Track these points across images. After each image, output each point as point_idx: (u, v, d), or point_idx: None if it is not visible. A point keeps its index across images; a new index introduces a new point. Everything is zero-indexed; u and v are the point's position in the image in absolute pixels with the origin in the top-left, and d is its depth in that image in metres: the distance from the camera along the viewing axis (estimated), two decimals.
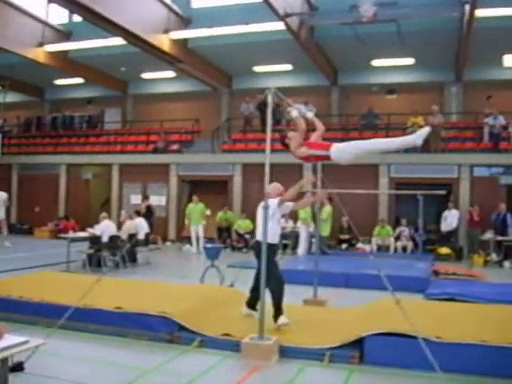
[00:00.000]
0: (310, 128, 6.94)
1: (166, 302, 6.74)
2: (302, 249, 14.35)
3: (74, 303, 5.88)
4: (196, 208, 16.32)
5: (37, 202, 21.36)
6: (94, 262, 11.75)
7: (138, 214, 14.18)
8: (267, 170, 5.94)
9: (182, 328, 6.22)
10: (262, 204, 6.26)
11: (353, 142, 6.25)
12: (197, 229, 16.19)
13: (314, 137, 6.62)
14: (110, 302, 6.65)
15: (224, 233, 17.60)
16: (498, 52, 17.18)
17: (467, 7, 13.45)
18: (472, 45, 15.41)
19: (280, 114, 18.17)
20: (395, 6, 13.95)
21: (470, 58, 16.75)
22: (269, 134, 6.04)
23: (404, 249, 15.95)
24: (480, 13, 13.69)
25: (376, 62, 19.04)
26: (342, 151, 6.09)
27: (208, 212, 16.97)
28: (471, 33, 14.46)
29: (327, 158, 6.25)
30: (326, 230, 14.39)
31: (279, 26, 15.23)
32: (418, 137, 5.77)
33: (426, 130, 5.80)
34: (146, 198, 17.96)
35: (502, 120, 16.44)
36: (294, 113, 6.52)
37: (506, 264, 14.13)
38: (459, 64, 17.63)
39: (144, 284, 8.95)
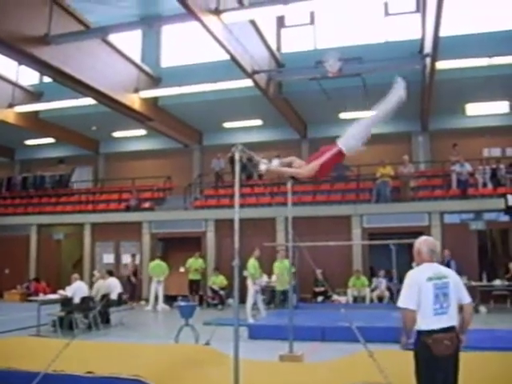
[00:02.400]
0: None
1: (140, 364, 6.57)
2: (248, 304, 12.89)
3: (42, 369, 5.69)
4: None
5: (6, 264, 20.89)
6: (66, 325, 11.43)
7: (111, 273, 13.96)
8: (237, 226, 5.87)
9: None
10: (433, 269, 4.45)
11: (350, 131, 6.09)
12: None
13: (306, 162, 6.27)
14: (80, 366, 6.44)
15: (194, 286, 17.30)
16: (461, 101, 17.76)
17: (428, 60, 13.95)
18: (435, 95, 15.91)
19: (252, 167, 18.36)
20: (359, 61, 14.42)
21: (434, 108, 17.27)
22: (238, 190, 6.03)
23: (380, 299, 15.91)
24: (441, 65, 14.24)
25: (344, 115, 19.41)
26: (347, 142, 5.95)
27: (182, 269, 16.92)
28: (434, 84, 14.96)
29: (340, 156, 5.98)
30: (280, 285, 14.17)
31: (247, 82, 15.56)
32: (398, 88, 5.75)
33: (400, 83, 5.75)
34: (133, 256, 18.19)
35: (468, 167, 16.81)
36: (263, 167, 6.61)
37: (482, 309, 14.17)
38: (424, 114, 18.12)
39: (116, 346, 8.73)
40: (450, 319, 4.28)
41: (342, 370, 6.43)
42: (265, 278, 15.84)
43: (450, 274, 4.42)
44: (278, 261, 14.24)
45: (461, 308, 4.40)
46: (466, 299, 4.45)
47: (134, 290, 17.64)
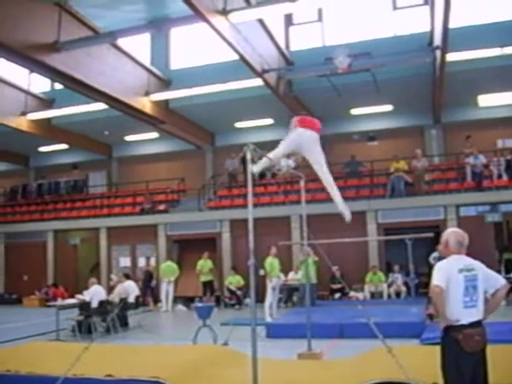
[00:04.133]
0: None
1: (159, 366, 6.59)
2: (267, 302, 12.98)
3: (62, 373, 5.73)
4: None
5: (25, 271, 21.11)
6: (85, 329, 11.51)
7: (127, 277, 14.04)
8: (251, 226, 5.87)
9: None
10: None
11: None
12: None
13: None
14: (100, 369, 6.48)
15: (208, 287, 17.17)
16: (473, 93, 17.59)
17: (438, 52, 13.84)
18: (447, 88, 15.78)
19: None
20: (369, 56, 14.35)
21: (446, 100, 17.13)
22: (251, 190, 6.04)
23: (397, 294, 15.84)
24: (451, 57, 14.09)
25: (355, 111, 19.35)
26: None
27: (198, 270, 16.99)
28: (445, 76, 14.84)
29: None
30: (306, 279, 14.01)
31: (257, 82, 15.54)
32: None
33: None
34: (147, 259, 18.30)
35: (482, 159, 16.68)
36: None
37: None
38: (436, 107, 17.99)
39: (135, 348, 8.77)
40: (479, 313, 4.19)
41: (361, 367, 6.40)
42: (282, 276, 15.82)
43: (478, 266, 4.29)
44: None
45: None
46: (501, 281, 4.31)
47: (153, 292, 17.71)
